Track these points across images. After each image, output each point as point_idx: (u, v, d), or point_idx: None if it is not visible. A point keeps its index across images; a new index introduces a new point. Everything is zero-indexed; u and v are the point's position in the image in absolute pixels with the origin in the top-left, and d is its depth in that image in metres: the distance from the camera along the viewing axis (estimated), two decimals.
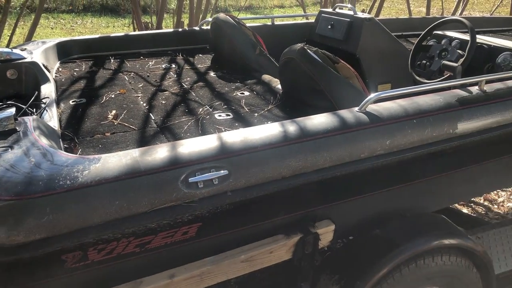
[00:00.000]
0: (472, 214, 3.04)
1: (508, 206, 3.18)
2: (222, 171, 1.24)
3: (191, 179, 1.21)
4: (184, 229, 1.27)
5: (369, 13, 5.03)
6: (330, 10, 3.19)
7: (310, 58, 1.79)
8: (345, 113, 1.49)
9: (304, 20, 3.44)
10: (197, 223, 1.28)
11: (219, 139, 1.31)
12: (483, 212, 3.10)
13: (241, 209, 1.33)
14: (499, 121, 1.67)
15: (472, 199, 3.21)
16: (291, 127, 1.39)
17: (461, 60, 2.07)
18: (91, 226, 1.12)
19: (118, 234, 1.16)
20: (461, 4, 5.78)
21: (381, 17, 5.43)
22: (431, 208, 1.86)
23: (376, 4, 5.32)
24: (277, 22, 3.34)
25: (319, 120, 1.44)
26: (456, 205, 3.13)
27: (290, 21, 3.50)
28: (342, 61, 1.81)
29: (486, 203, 3.21)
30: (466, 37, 2.17)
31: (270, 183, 1.32)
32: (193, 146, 1.27)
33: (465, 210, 3.10)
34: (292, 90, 2.03)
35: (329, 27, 3.04)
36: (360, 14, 2.92)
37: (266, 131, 1.37)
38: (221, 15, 2.66)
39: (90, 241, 1.13)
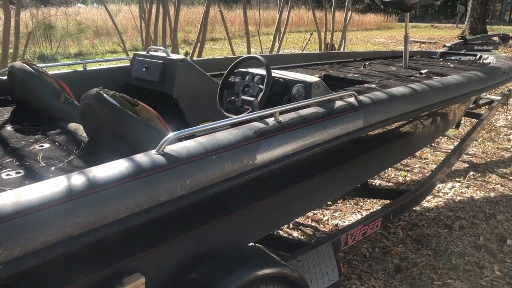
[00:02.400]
0: (294, 238, 3.21)
1: (332, 224, 3.44)
2: None
3: None
4: None
5: (192, 54, 5.16)
6: (143, 53, 3.17)
7: (106, 102, 1.70)
8: (141, 157, 1.42)
9: (120, 64, 3.35)
10: None
11: None
12: (311, 233, 3.29)
13: (21, 282, 1.15)
14: (295, 148, 1.77)
15: (301, 222, 3.41)
16: (78, 179, 1.27)
17: (261, 94, 2.19)
18: None
19: None
20: (276, 43, 6.31)
21: (210, 57, 5.60)
22: (248, 240, 1.88)
23: (200, 45, 5.50)
24: (92, 67, 3.19)
25: (111, 168, 1.34)
26: (287, 228, 3.28)
27: (106, 66, 3.37)
28: (142, 103, 1.75)
29: (313, 223, 3.43)
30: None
31: (55, 246, 1.17)
32: None
33: (295, 233, 3.26)
34: (95, 137, 1.91)
35: (144, 69, 3.01)
36: (173, 56, 2.95)
37: (47, 187, 1.22)
38: (17, 63, 2.43)
39: None
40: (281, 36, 6.43)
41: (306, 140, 1.82)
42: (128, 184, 1.31)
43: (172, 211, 1.41)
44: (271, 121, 1.79)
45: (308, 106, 2.00)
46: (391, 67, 3.95)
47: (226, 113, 2.37)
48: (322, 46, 7.26)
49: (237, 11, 20.15)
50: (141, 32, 5.30)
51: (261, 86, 2.28)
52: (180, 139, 1.56)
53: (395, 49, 8.18)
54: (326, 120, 1.92)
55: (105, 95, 1.72)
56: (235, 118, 1.72)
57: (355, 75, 3.39)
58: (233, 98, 2.43)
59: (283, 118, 1.83)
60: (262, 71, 2.41)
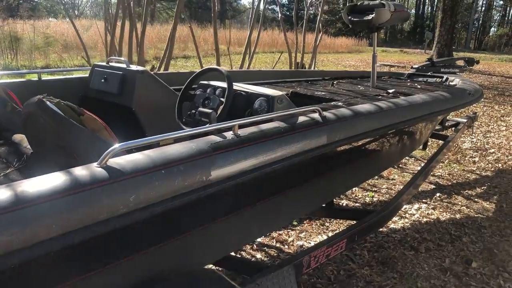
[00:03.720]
0: (255, 259, 3.08)
1: (298, 245, 3.33)
2: None
3: None
4: None
5: (159, 68, 5.04)
6: (103, 63, 3.03)
7: (48, 110, 1.56)
8: (80, 170, 1.28)
9: (79, 75, 3.19)
10: None
11: None
12: (275, 254, 3.17)
13: None
14: (254, 164, 1.67)
15: (265, 242, 3.28)
16: (3, 193, 1.12)
17: (221, 107, 2.09)
18: None
19: None
20: (246, 60, 6.27)
21: (175, 71, 5.49)
22: (203, 263, 1.75)
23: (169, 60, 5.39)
24: (48, 77, 3.03)
25: (44, 181, 1.20)
26: (250, 249, 3.15)
27: (63, 76, 3.21)
28: (89, 113, 1.62)
29: (278, 244, 3.31)
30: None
31: None
32: None
33: (258, 254, 3.14)
34: (39, 148, 1.76)
35: (103, 80, 2.87)
36: (133, 67, 2.82)
37: None
38: None
39: None
40: (251, 54, 6.40)
41: (267, 156, 1.72)
42: (62, 199, 1.17)
43: (113, 231, 1.27)
44: (229, 135, 1.68)
45: (270, 120, 1.91)
46: (359, 86, 3.93)
47: (184, 126, 2.25)
48: (293, 66, 7.26)
49: (211, 30, 20.18)
50: (105, 45, 5.15)
51: (222, 99, 2.18)
52: (129, 152, 1.43)
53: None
54: (288, 135, 1.82)
55: (48, 102, 1.58)
56: (189, 131, 1.60)
57: (323, 93, 3.34)
58: (193, 111, 2.31)
59: (242, 132, 1.72)
60: (225, 84, 2.31)
